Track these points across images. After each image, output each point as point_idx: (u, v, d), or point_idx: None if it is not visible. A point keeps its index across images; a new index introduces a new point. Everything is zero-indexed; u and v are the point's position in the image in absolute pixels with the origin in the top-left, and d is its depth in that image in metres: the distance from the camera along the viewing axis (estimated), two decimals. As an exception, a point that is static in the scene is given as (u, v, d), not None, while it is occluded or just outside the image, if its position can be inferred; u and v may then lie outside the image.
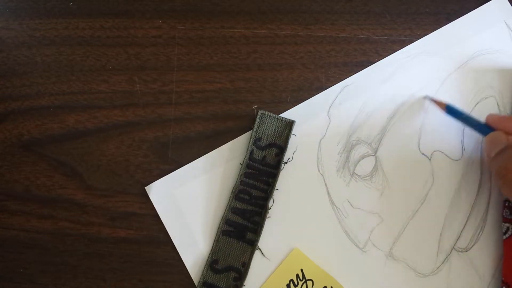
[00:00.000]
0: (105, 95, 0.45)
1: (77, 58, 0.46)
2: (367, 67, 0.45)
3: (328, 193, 0.44)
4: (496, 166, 0.40)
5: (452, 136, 0.44)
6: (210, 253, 0.43)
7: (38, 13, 0.46)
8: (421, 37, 0.46)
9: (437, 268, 0.43)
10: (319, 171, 0.44)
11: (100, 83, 0.45)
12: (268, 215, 0.43)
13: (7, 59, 0.46)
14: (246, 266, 0.42)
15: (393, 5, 0.46)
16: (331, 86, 0.45)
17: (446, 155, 0.44)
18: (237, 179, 0.43)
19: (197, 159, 0.44)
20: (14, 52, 0.46)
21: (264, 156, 0.44)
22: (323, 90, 0.45)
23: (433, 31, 0.46)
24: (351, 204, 0.44)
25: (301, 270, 0.42)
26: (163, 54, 0.46)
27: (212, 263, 0.43)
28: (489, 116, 0.43)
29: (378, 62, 0.45)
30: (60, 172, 0.44)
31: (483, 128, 0.42)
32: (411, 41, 0.46)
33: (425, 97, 0.45)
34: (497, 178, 0.40)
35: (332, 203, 0.44)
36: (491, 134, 0.41)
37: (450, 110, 0.43)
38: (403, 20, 0.46)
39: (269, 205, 0.43)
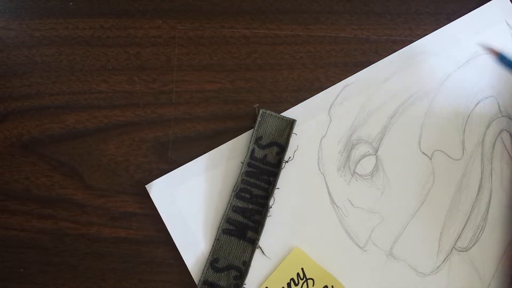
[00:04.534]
0: (105, 95, 0.45)
1: (77, 58, 0.46)
2: (367, 67, 0.45)
3: (329, 192, 0.44)
4: None
5: (452, 135, 0.44)
6: (210, 252, 0.43)
7: (38, 13, 0.46)
8: (421, 37, 0.46)
9: (437, 267, 0.43)
10: (320, 170, 0.44)
11: (100, 83, 0.45)
12: (269, 214, 0.43)
13: (7, 59, 0.46)
14: (246, 264, 0.42)
15: (393, 5, 0.46)
16: (331, 86, 0.45)
17: (446, 154, 0.44)
18: (238, 177, 0.43)
19: (197, 158, 0.44)
20: (14, 52, 0.46)
21: (265, 155, 0.44)
22: (323, 90, 0.45)
23: (433, 31, 0.46)
24: (351, 203, 0.44)
25: (302, 269, 0.42)
26: (163, 54, 0.46)
27: (213, 262, 0.43)
28: None
29: (379, 61, 0.45)
30: (60, 172, 0.44)
31: None
32: (411, 41, 0.46)
33: (479, 44, 0.44)
34: None
35: (332, 202, 0.44)
36: None
37: (504, 60, 0.41)
38: (403, 20, 0.46)
39: (270, 203, 0.43)
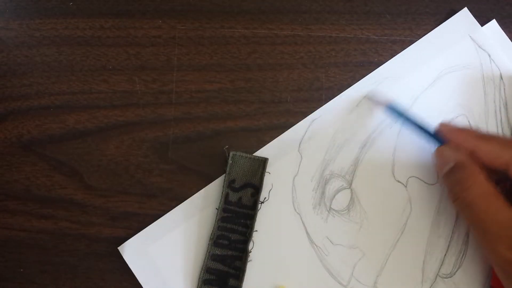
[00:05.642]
0: (105, 95, 0.45)
1: (77, 58, 0.46)
2: (367, 67, 0.45)
3: (307, 232, 0.43)
4: (448, 185, 0.38)
5: (425, 160, 0.43)
6: None
7: (38, 13, 0.46)
8: (421, 37, 0.45)
9: None
10: (295, 210, 0.43)
11: (100, 83, 0.45)
12: (249, 259, 0.42)
13: (7, 59, 0.46)
14: None
15: (393, 5, 0.46)
16: (331, 86, 0.45)
17: (421, 180, 0.43)
18: (214, 224, 0.42)
19: (169, 212, 0.43)
20: (14, 52, 0.46)
21: (240, 198, 0.43)
22: (322, 91, 0.45)
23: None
24: (331, 241, 0.43)
25: None
26: (163, 54, 0.46)
27: None
28: (442, 125, 0.40)
29: (344, 91, 0.45)
30: (60, 172, 0.44)
31: (433, 137, 0.40)
32: (411, 41, 0.45)
33: (366, 97, 0.43)
34: (450, 199, 0.38)
35: (311, 242, 0.43)
36: (440, 150, 0.39)
37: (392, 111, 0.40)
38: (403, 20, 0.46)
39: (249, 248, 0.42)
